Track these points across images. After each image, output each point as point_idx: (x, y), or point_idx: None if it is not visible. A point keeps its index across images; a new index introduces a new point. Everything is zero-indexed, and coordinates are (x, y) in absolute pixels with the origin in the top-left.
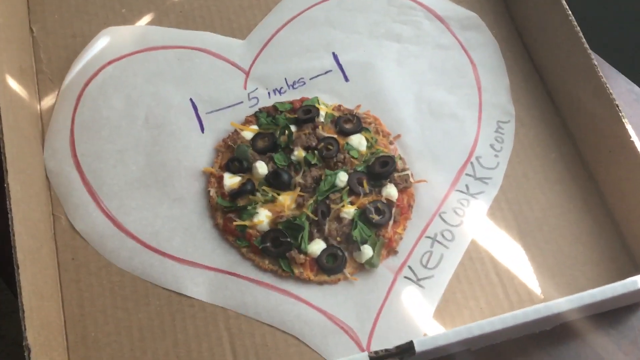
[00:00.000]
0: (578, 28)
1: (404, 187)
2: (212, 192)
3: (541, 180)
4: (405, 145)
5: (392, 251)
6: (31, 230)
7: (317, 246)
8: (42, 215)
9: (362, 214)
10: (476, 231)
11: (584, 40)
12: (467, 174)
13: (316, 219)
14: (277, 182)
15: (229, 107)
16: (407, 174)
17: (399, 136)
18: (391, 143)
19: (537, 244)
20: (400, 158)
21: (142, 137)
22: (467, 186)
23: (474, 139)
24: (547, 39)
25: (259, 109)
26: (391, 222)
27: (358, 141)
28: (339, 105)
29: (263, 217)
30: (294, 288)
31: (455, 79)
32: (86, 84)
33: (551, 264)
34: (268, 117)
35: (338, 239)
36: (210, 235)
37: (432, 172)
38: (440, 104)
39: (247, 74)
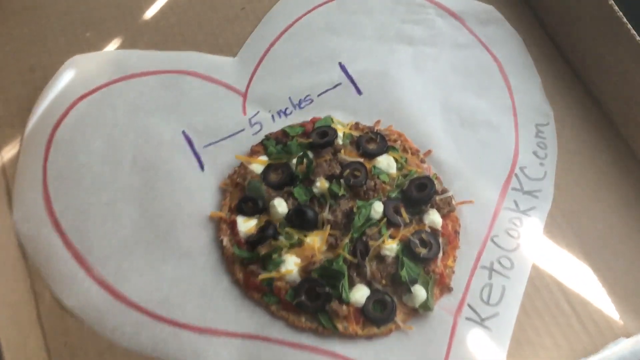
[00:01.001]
0: (618, 9)
1: (448, 211)
2: (226, 241)
3: (596, 188)
4: (438, 162)
5: (445, 289)
6: (14, 318)
7: (360, 293)
8: (21, 294)
9: (406, 248)
10: (536, 254)
11: (627, 23)
12: (513, 189)
13: (355, 260)
14: (301, 221)
15: (229, 137)
16: (450, 196)
17: (429, 152)
18: (422, 161)
19: (605, 262)
20: (436, 177)
21: (133, 183)
22: (515, 202)
23: (514, 148)
24: (578, 25)
25: (266, 136)
26: (440, 255)
27: (386, 163)
28: (357, 123)
29: (291, 265)
30: (339, 347)
31: (481, 81)
32: (56, 126)
33: (624, 282)
34: (278, 145)
35: (383, 281)
36: (230, 294)
37: (474, 190)
38: (471, 110)
39: (245, 96)
